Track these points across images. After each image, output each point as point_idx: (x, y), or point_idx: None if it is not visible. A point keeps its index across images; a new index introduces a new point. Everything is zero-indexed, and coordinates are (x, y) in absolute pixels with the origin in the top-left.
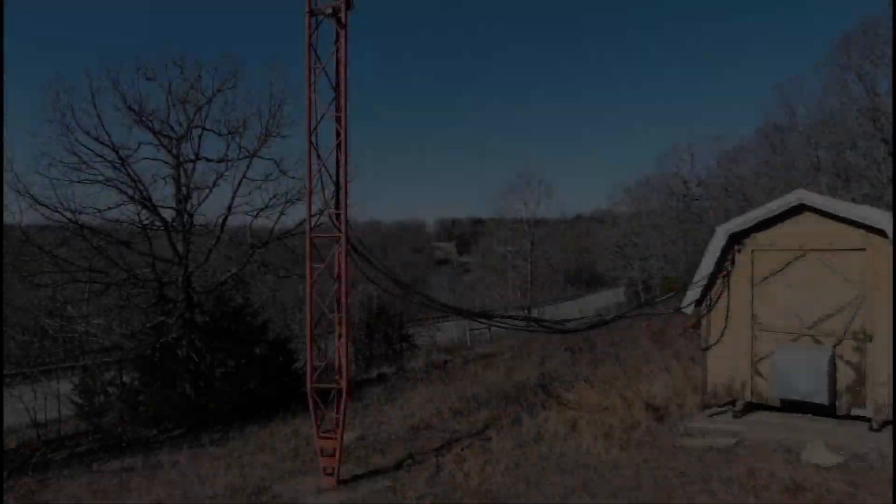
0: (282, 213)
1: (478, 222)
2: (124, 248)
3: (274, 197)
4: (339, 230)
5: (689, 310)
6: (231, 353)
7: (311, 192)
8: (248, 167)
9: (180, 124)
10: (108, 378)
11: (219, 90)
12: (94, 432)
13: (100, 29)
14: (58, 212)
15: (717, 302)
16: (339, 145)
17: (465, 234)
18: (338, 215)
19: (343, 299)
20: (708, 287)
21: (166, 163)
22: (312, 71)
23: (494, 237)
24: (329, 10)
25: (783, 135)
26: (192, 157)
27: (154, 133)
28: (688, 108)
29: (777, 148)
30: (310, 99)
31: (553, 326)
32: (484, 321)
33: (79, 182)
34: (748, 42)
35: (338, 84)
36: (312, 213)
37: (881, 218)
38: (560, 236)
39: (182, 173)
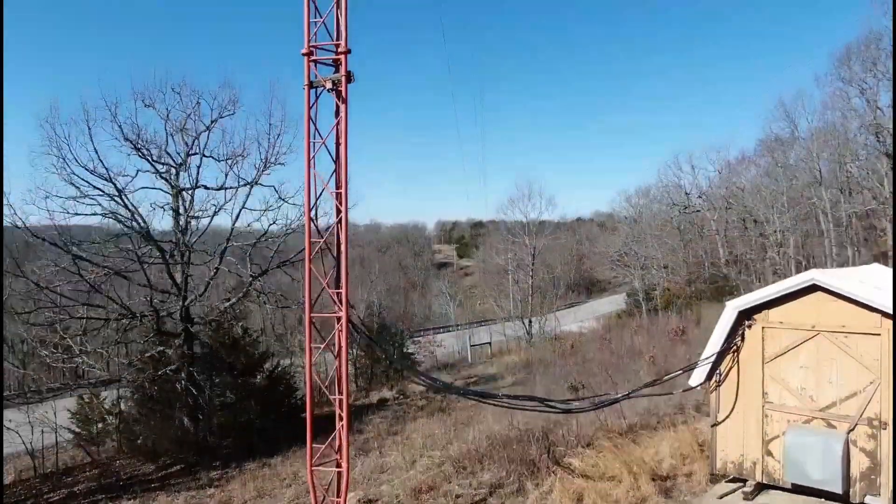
0: (281, 242)
1: (478, 225)
2: (122, 279)
3: (273, 223)
4: (340, 308)
5: (700, 387)
6: (230, 386)
7: (310, 273)
8: (247, 197)
9: (178, 154)
10: (107, 407)
11: (218, 118)
12: (93, 466)
13: (102, 56)
14: (55, 244)
15: (726, 377)
16: (339, 222)
17: (465, 238)
18: (338, 294)
19: (343, 380)
20: (718, 361)
21: (165, 191)
22: (312, 146)
23: (494, 250)
24: (329, 84)
25: (785, 147)
26: (191, 185)
27: (152, 163)
28: (688, 117)
29: (779, 160)
30: (309, 175)
31: (559, 407)
32: (488, 401)
33: (76, 215)
34: (751, 51)
35: (338, 158)
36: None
37: None
38: (560, 242)
39: (180, 202)
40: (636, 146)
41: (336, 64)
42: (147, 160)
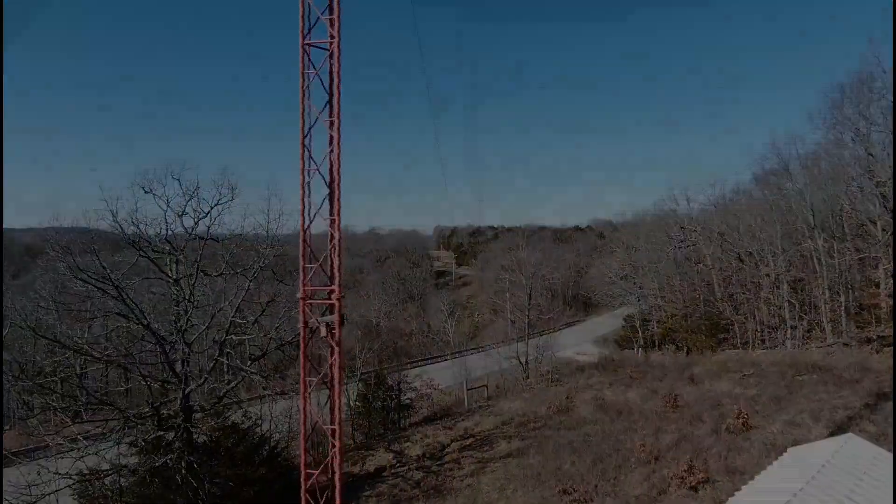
0: (278, 326)
1: (476, 232)
2: (122, 372)
3: (272, 300)
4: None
5: None
6: (230, 477)
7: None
8: (246, 291)
9: (176, 246)
10: (108, 483)
11: (217, 204)
12: None
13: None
14: (58, 342)
15: None
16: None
17: (464, 245)
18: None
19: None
20: None
21: (163, 280)
22: (308, 383)
23: (492, 290)
24: (323, 330)
25: (780, 187)
26: (189, 272)
27: (151, 259)
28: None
29: (773, 204)
30: (305, 415)
31: None
32: None
33: (80, 321)
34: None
35: (332, 387)
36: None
37: None
38: (558, 279)
39: (179, 292)
40: (636, 149)
41: (330, 306)
42: (147, 258)
